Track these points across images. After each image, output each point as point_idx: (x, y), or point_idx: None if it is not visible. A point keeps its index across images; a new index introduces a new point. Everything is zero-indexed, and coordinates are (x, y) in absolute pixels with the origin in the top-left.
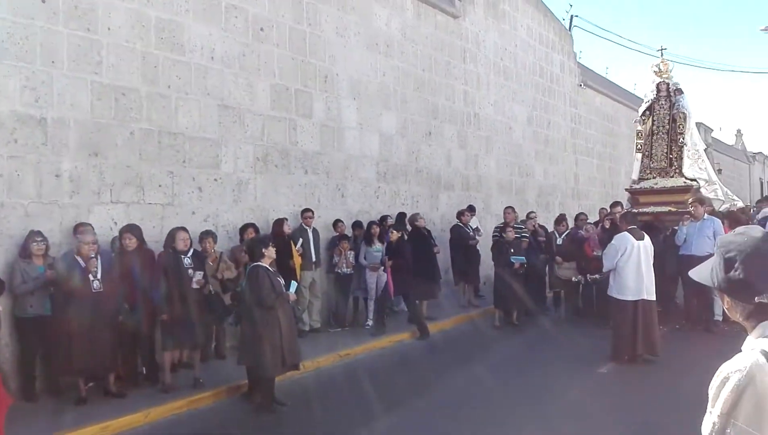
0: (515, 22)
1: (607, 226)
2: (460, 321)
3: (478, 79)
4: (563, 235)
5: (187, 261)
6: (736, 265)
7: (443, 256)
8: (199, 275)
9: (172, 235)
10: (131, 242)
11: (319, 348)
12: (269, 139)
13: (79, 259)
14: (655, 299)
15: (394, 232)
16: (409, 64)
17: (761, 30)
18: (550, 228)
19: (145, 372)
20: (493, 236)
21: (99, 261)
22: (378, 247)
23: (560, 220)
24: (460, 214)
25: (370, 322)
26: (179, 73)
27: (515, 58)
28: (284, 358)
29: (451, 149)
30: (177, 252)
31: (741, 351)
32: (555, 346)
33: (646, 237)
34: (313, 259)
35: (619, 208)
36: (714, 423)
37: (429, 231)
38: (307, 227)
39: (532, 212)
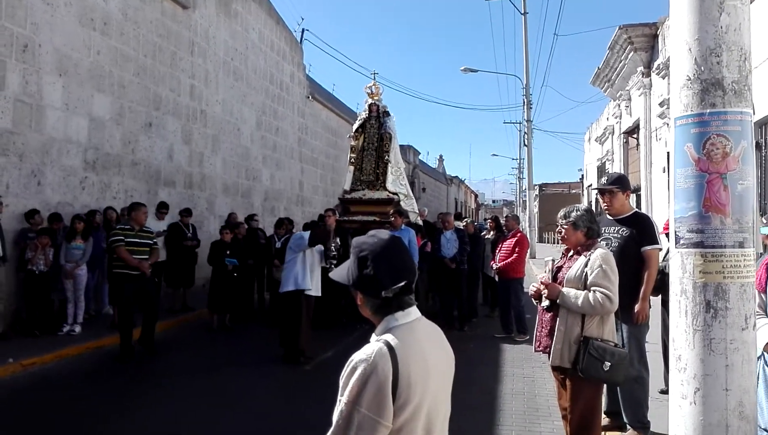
0: (247, 24)
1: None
2: (170, 326)
3: (207, 76)
4: (282, 239)
5: None
6: (367, 263)
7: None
8: None
9: None
10: None
11: None
12: None
13: None
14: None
15: None
16: (130, 47)
17: (461, 70)
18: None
19: None
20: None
21: None
22: (79, 244)
23: (280, 223)
24: (182, 215)
25: (66, 327)
26: None
27: (246, 61)
28: None
29: (175, 144)
30: None
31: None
32: (266, 345)
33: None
34: None
35: (330, 213)
36: (342, 411)
37: None
38: None
39: (255, 215)
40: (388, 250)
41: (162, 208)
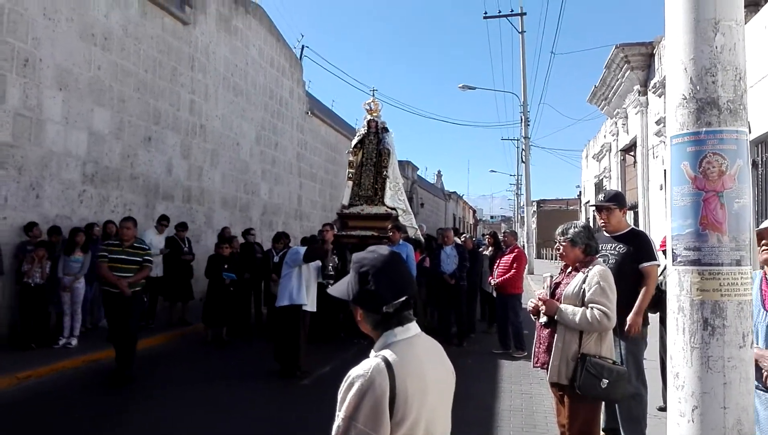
0: (247, 40)
1: None
2: (169, 339)
3: (207, 91)
4: (280, 253)
5: None
6: (368, 278)
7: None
8: None
9: None
10: None
11: None
12: None
13: None
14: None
15: None
16: (130, 62)
17: (460, 87)
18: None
19: None
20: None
21: None
22: (78, 257)
23: (278, 238)
24: (178, 229)
25: (63, 340)
26: None
27: (246, 76)
28: None
29: (173, 158)
30: None
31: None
32: (262, 359)
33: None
34: None
35: (327, 228)
36: (339, 426)
37: None
38: None
39: (252, 229)
40: (388, 266)
41: (163, 221)
